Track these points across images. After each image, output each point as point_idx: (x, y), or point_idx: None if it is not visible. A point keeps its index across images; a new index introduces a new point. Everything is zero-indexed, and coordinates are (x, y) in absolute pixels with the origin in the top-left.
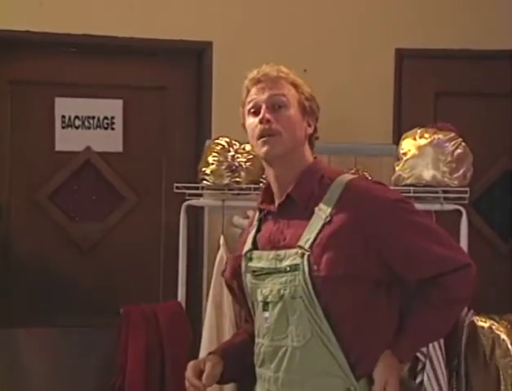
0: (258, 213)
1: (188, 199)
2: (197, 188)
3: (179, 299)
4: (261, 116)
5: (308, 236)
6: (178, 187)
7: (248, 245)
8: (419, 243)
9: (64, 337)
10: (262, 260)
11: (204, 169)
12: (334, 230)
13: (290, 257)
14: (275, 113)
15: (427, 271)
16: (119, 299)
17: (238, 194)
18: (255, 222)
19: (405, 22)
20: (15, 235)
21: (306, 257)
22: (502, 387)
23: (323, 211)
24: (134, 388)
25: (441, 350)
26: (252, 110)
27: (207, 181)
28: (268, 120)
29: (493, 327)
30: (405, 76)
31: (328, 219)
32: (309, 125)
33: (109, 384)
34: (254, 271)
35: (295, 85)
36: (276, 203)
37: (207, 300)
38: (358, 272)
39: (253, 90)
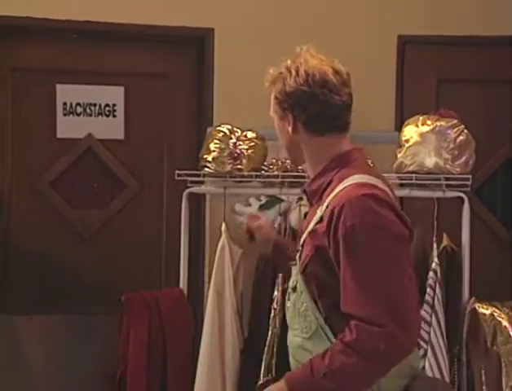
0: None
1: (190, 187)
2: (199, 175)
3: (181, 286)
4: None
5: (305, 233)
6: (179, 175)
7: None
8: (361, 278)
9: (65, 325)
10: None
11: (205, 157)
12: (315, 231)
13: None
14: None
15: (346, 307)
16: (120, 286)
17: (240, 181)
18: None
19: (407, 9)
20: (16, 223)
21: (298, 253)
22: (504, 373)
23: (320, 211)
24: (136, 376)
25: (442, 337)
26: None
27: (209, 168)
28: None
29: (495, 313)
30: (407, 63)
31: (318, 220)
32: (288, 124)
33: (110, 372)
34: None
35: (270, 86)
36: None
37: (209, 287)
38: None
39: None
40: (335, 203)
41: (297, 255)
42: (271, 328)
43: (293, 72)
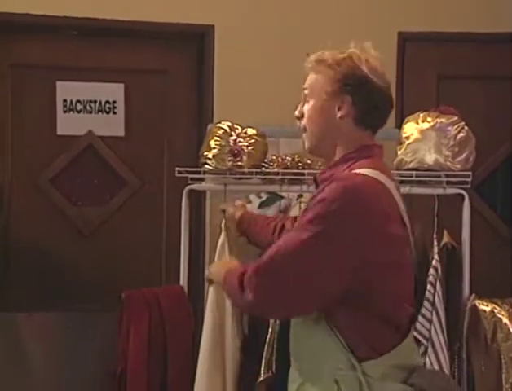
0: None
1: (190, 184)
2: (199, 172)
3: (181, 283)
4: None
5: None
6: (179, 172)
7: None
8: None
9: (65, 322)
10: None
11: (206, 154)
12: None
13: None
14: (302, 108)
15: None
16: (120, 283)
17: (240, 178)
18: None
19: (408, 5)
20: (16, 220)
21: None
22: (504, 370)
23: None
24: (137, 373)
25: (443, 334)
26: None
27: (209, 165)
28: (298, 117)
29: (495, 310)
30: (408, 60)
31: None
32: (339, 108)
33: (110, 369)
34: None
35: (327, 69)
36: None
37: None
38: None
39: None
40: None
41: None
42: (271, 325)
43: (365, 62)
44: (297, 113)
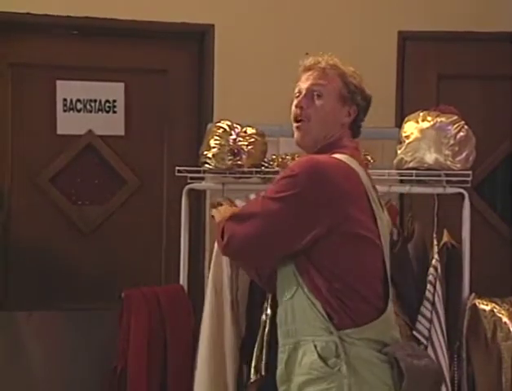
0: None
1: (190, 183)
2: (199, 172)
3: (181, 282)
4: (297, 101)
5: None
6: (179, 171)
7: None
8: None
9: (65, 321)
10: None
11: (205, 153)
12: None
13: None
14: (311, 101)
15: None
16: (120, 282)
17: (239, 177)
18: None
19: (408, 4)
20: (16, 219)
21: None
22: (504, 370)
23: None
24: (137, 372)
25: (442, 333)
26: (296, 95)
27: (209, 164)
28: (301, 107)
29: (495, 310)
30: (408, 59)
31: None
32: (348, 115)
33: (111, 369)
34: None
35: (341, 76)
36: None
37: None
38: None
39: (302, 77)
40: None
41: None
42: (261, 328)
43: (358, 77)
44: (303, 104)
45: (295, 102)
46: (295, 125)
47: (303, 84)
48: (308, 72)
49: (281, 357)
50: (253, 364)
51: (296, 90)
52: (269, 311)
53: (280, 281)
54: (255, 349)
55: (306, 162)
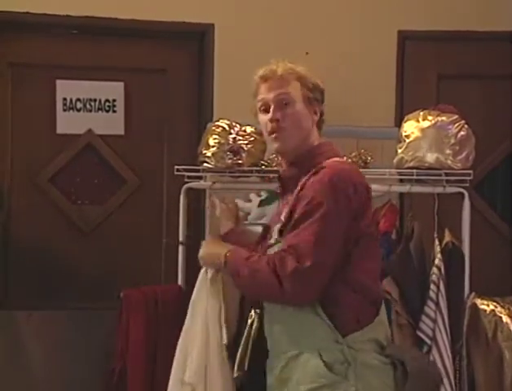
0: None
1: (188, 182)
2: (198, 171)
3: (179, 282)
4: (270, 115)
5: (285, 211)
6: (178, 170)
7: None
8: (299, 220)
9: (65, 321)
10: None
11: (204, 152)
12: (293, 205)
13: (275, 232)
14: (282, 111)
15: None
16: (120, 282)
17: (239, 176)
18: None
19: (407, 4)
20: (16, 218)
21: (280, 230)
22: (504, 369)
23: (296, 189)
24: (136, 372)
25: (446, 333)
26: (262, 108)
27: (208, 163)
28: (277, 120)
29: (495, 309)
30: (407, 59)
31: (295, 195)
32: (315, 113)
33: (110, 368)
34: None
35: (300, 79)
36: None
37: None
38: None
39: (262, 88)
40: (309, 180)
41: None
42: (247, 326)
43: (311, 74)
44: (278, 116)
45: (268, 116)
46: (272, 136)
47: (267, 95)
48: (267, 83)
49: (275, 365)
50: (236, 362)
51: (259, 103)
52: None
53: None
54: (240, 346)
55: (341, 175)
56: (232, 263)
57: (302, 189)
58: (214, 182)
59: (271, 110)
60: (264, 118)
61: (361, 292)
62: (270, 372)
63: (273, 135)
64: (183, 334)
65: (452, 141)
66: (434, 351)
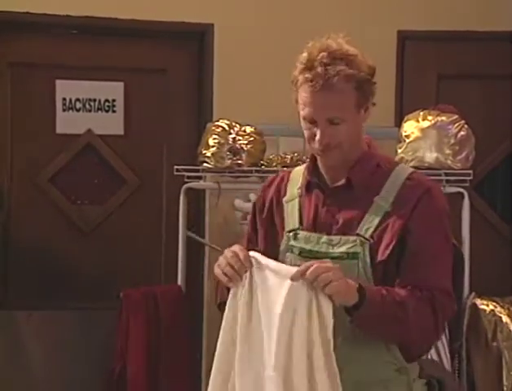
0: (300, 185)
1: (188, 182)
2: (197, 171)
3: (179, 283)
4: (318, 137)
5: (368, 225)
6: (178, 170)
7: (294, 223)
8: (441, 255)
9: (65, 321)
10: (311, 242)
11: (204, 152)
12: (393, 222)
13: (347, 244)
14: (333, 130)
15: (430, 280)
16: (120, 282)
17: (239, 176)
18: (293, 194)
19: (407, 4)
20: (16, 218)
21: (367, 245)
22: (504, 369)
23: (384, 201)
24: (136, 372)
25: (445, 334)
26: (305, 117)
27: (208, 163)
28: (328, 143)
29: (495, 309)
30: (407, 59)
31: (388, 209)
32: (365, 111)
33: (110, 368)
34: (301, 252)
35: (358, 83)
36: (329, 184)
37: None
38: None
39: (309, 95)
40: (410, 191)
41: (366, 247)
42: None
43: (363, 59)
44: (327, 140)
45: (312, 127)
46: (319, 152)
47: (313, 109)
48: (315, 89)
49: None
50: None
51: (304, 112)
52: None
53: None
54: None
55: (439, 191)
56: (373, 300)
57: (416, 207)
58: (217, 182)
59: (318, 131)
60: (310, 132)
61: None
62: None
63: (320, 152)
64: None
65: (452, 141)
66: (433, 352)
